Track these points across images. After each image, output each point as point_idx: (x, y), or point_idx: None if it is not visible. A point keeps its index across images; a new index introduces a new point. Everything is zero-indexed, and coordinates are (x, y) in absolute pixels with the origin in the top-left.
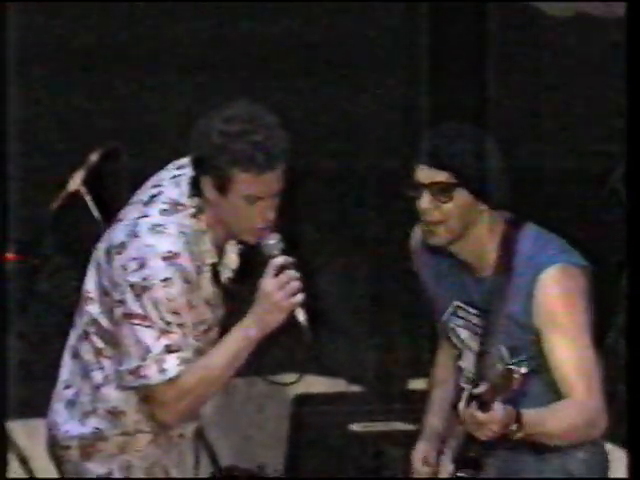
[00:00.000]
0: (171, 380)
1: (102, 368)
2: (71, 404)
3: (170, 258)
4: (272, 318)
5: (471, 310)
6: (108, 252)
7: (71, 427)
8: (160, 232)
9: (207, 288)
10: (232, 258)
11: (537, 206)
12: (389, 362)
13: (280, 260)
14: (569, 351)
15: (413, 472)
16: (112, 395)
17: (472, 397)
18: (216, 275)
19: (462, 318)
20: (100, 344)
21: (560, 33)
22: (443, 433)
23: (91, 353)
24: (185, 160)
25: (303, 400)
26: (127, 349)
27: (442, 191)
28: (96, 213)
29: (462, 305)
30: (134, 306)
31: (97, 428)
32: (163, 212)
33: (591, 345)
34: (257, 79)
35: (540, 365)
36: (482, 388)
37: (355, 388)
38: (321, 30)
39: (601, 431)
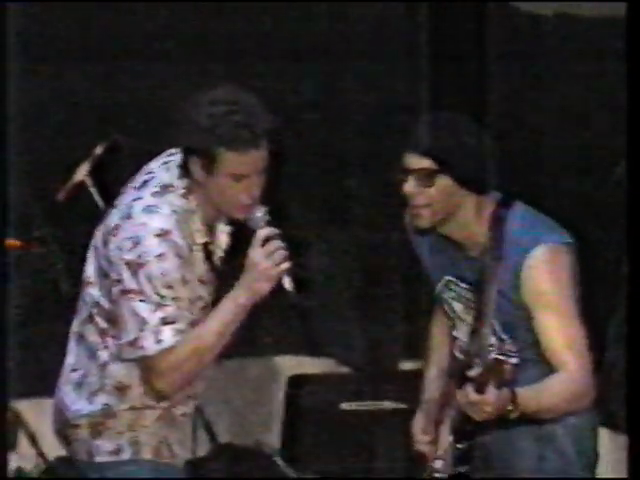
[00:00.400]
0: (167, 350)
1: (107, 347)
2: (79, 385)
3: (163, 235)
4: (260, 286)
5: (462, 285)
6: (104, 236)
7: (81, 406)
8: (152, 212)
9: (200, 266)
10: (223, 239)
11: (536, 197)
12: (379, 343)
13: (266, 231)
14: (558, 328)
15: (414, 442)
16: (118, 371)
17: (466, 378)
18: (208, 254)
19: (454, 291)
20: (103, 324)
21: (557, 32)
22: (441, 401)
23: (96, 334)
24: (175, 149)
25: (297, 380)
26: (125, 323)
27: (425, 177)
28: (101, 203)
29: (453, 280)
30: (130, 282)
31: (106, 404)
32: (155, 194)
33: (578, 319)
34: (256, 68)
35: (536, 354)
36: (476, 371)
37: (345, 369)
38: (320, 29)
39: (591, 401)
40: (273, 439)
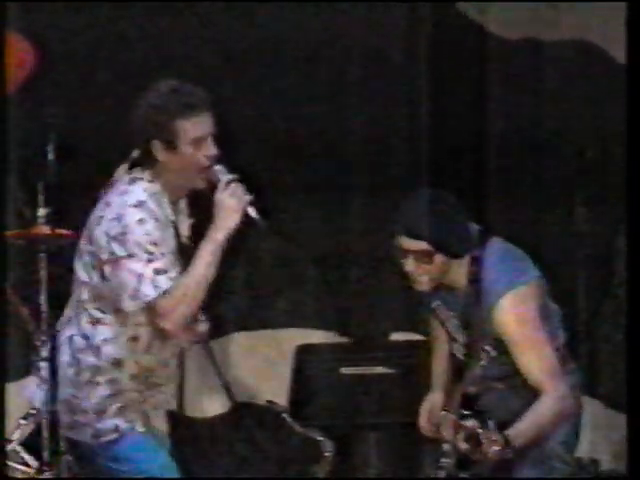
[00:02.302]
0: (165, 293)
1: (103, 333)
2: (77, 375)
3: (139, 205)
4: (230, 220)
5: (449, 312)
6: (88, 235)
7: (86, 393)
8: (126, 192)
9: (172, 242)
10: (184, 225)
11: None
12: (373, 316)
13: (227, 177)
14: (531, 359)
15: (421, 429)
16: (111, 350)
17: (462, 376)
18: (177, 233)
19: (443, 314)
20: (96, 312)
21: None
22: (446, 391)
23: (88, 323)
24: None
25: (304, 349)
26: (123, 284)
27: (423, 256)
28: None
29: (441, 305)
30: (121, 251)
31: (110, 380)
32: (125, 184)
33: (548, 344)
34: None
35: (509, 369)
36: (468, 427)
37: (343, 339)
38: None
39: (575, 407)
40: (282, 400)
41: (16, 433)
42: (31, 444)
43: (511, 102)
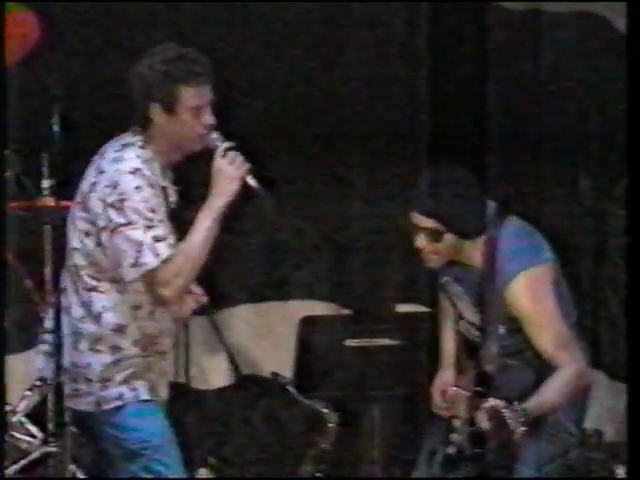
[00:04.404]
0: (165, 261)
1: (102, 300)
2: (76, 343)
3: (135, 172)
4: (229, 188)
5: (459, 288)
6: (81, 200)
7: (90, 359)
8: (120, 159)
9: (165, 208)
10: (171, 191)
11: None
12: (378, 287)
13: (225, 144)
14: (545, 336)
15: (433, 405)
16: (111, 317)
17: (474, 356)
18: (167, 199)
19: (452, 291)
20: (92, 281)
21: (559, 29)
22: (456, 368)
23: (85, 291)
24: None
25: (308, 321)
26: (123, 252)
27: (433, 234)
28: None
29: (450, 280)
30: (119, 219)
31: (113, 347)
32: (117, 151)
33: (562, 321)
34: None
35: (521, 345)
36: (489, 407)
37: (347, 311)
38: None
39: (590, 381)
40: (287, 372)
41: (21, 404)
42: (36, 415)
43: (512, 72)
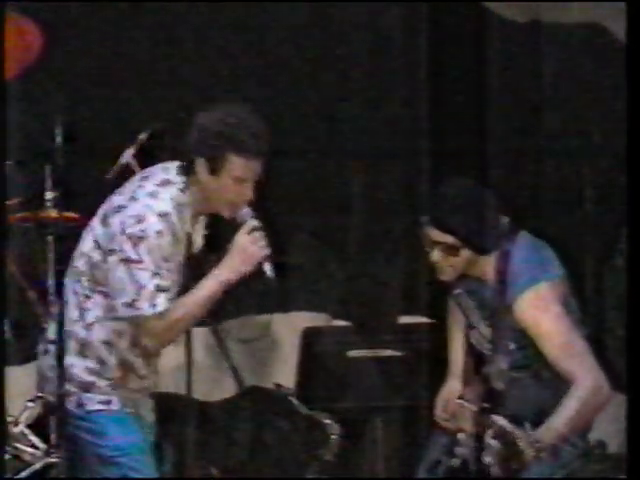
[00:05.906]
0: (160, 314)
1: (94, 312)
2: (68, 339)
3: (163, 216)
4: (242, 267)
5: (470, 300)
6: (104, 216)
7: (72, 361)
8: (155, 196)
9: (181, 256)
10: (199, 236)
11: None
12: (381, 298)
13: (253, 222)
14: (555, 348)
15: (436, 418)
16: (102, 330)
17: (482, 363)
18: (189, 245)
19: (463, 302)
20: (89, 291)
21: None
22: (464, 379)
23: (83, 297)
24: (170, 163)
25: (311, 332)
26: (123, 287)
27: (449, 249)
28: None
29: (462, 294)
30: (131, 253)
31: (97, 358)
32: (157, 185)
33: (573, 333)
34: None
35: (531, 360)
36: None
37: (348, 322)
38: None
39: (608, 394)
40: (290, 383)
41: (23, 415)
42: (38, 426)
43: (511, 74)
